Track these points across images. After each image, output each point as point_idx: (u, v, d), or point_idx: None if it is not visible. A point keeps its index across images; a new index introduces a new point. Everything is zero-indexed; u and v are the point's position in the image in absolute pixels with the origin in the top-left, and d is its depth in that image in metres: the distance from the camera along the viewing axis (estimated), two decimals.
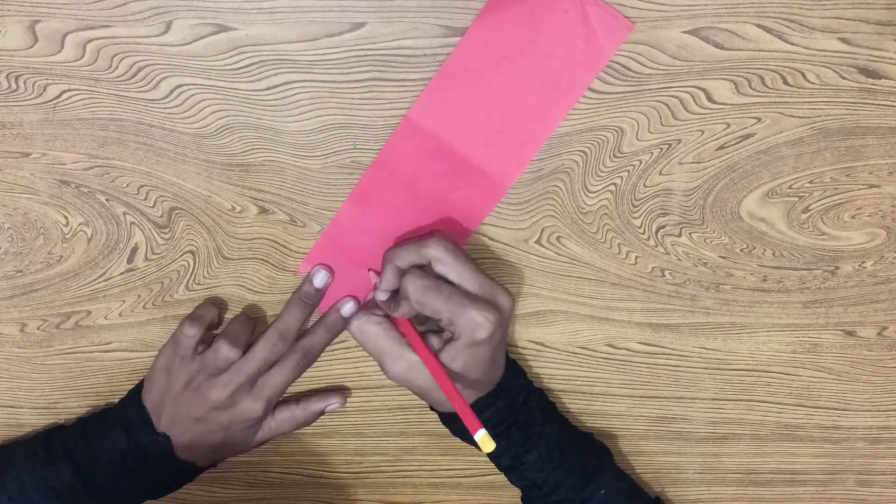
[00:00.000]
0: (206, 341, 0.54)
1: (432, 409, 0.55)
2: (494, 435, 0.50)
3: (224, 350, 0.53)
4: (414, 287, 0.48)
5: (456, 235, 0.53)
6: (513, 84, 0.49)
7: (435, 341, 0.50)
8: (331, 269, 0.54)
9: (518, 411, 0.53)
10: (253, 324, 0.55)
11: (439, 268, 0.49)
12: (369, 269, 0.54)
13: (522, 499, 0.57)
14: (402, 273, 0.49)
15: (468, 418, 0.49)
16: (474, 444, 0.49)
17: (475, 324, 0.47)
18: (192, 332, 0.53)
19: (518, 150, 0.51)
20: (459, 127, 0.50)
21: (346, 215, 0.53)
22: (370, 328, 0.51)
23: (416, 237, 0.50)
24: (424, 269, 0.50)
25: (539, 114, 0.50)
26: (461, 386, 0.50)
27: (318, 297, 0.55)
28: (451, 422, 0.54)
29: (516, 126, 0.50)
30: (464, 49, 0.48)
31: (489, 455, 0.53)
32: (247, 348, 0.54)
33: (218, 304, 0.56)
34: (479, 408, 0.51)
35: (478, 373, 0.50)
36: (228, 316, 0.56)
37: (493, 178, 0.52)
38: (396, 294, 0.50)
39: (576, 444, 0.56)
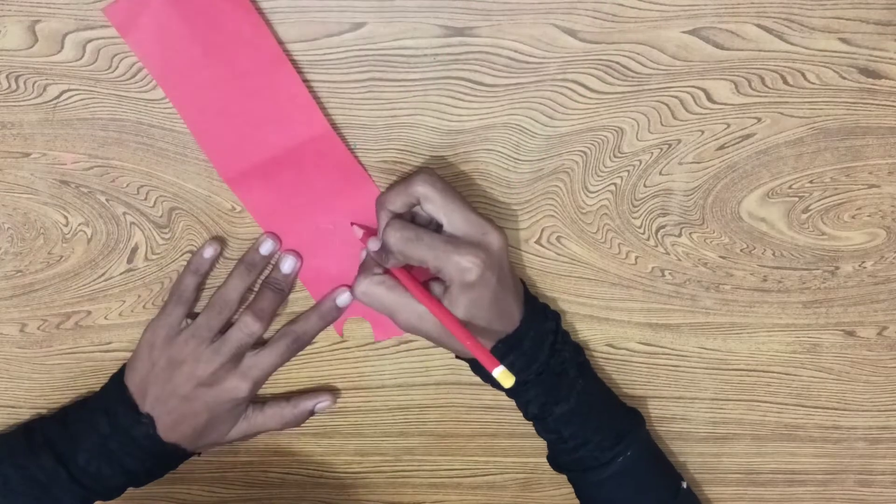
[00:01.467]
0: (192, 316, 0.54)
1: (458, 357, 0.54)
2: (521, 381, 0.48)
3: (203, 323, 0.53)
4: (394, 240, 0.47)
5: (362, 195, 0.52)
6: (228, 70, 0.48)
7: (437, 288, 0.49)
8: (298, 255, 0.54)
9: (548, 357, 0.51)
10: (229, 313, 0.54)
11: (427, 206, 0.47)
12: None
13: (548, 456, 0.57)
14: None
15: (483, 356, 0.47)
16: (501, 387, 0.47)
17: (462, 269, 0.46)
18: (178, 312, 0.53)
19: (294, 101, 0.49)
20: (250, 136, 0.50)
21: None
22: (374, 289, 0.49)
23: (404, 177, 0.48)
24: (414, 210, 0.49)
25: (270, 70, 0.48)
26: (474, 332, 0.48)
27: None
28: (479, 369, 0.52)
29: (269, 92, 0.49)
30: (161, 76, 0.48)
31: (518, 402, 0.53)
32: (227, 326, 0.53)
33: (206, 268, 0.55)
34: (500, 352, 0.49)
35: (485, 317, 0.48)
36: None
37: (315, 135, 0.50)
38: None
39: (608, 402, 0.56)
